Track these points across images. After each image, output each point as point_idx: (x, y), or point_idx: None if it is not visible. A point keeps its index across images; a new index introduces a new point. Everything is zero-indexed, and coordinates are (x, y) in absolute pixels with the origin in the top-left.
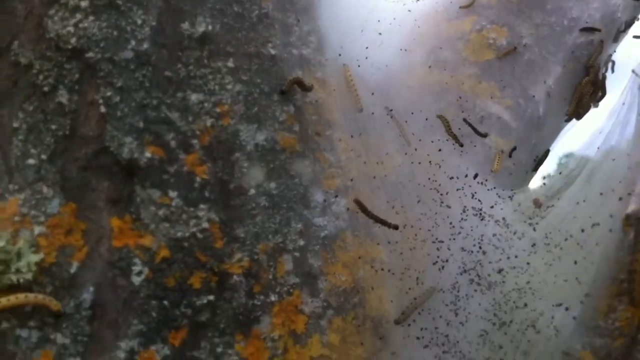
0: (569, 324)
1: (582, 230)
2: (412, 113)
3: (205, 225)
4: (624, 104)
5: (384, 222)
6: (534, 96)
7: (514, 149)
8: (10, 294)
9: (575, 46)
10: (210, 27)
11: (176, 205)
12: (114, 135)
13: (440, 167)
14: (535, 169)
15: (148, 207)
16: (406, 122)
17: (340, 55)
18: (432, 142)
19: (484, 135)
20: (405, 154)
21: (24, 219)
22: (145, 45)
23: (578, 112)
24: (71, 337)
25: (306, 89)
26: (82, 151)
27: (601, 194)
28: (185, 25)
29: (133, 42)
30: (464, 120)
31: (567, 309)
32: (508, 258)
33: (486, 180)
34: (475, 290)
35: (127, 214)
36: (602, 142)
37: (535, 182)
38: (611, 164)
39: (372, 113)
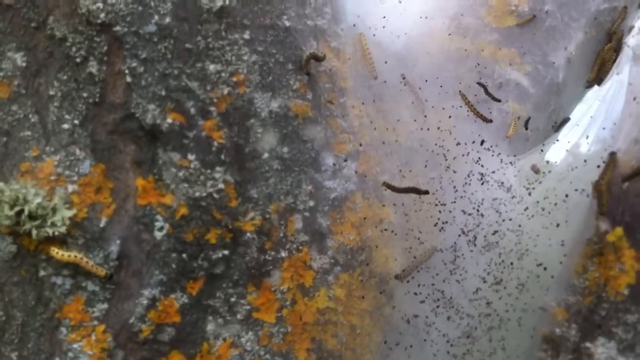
0: (549, 283)
1: (566, 196)
2: (427, 80)
3: (221, 186)
4: (618, 74)
5: (415, 191)
6: (554, 62)
7: (529, 119)
8: (62, 248)
9: (598, 12)
10: (227, 2)
11: (194, 167)
12: (138, 103)
13: (451, 133)
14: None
15: (169, 168)
16: (420, 89)
17: (354, 25)
18: (444, 109)
19: (499, 100)
20: (415, 120)
21: (59, 178)
22: (168, 19)
23: (600, 78)
24: (100, 285)
25: (319, 59)
26: (110, 117)
27: (585, 161)
28: (205, 0)
29: (156, 17)
30: (478, 83)
31: (545, 268)
32: (504, 221)
33: (493, 146)
34: (472, 251)
35: (150, 175)
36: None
37: (553, 149)
38: (603, 132)
39: (385, 81)
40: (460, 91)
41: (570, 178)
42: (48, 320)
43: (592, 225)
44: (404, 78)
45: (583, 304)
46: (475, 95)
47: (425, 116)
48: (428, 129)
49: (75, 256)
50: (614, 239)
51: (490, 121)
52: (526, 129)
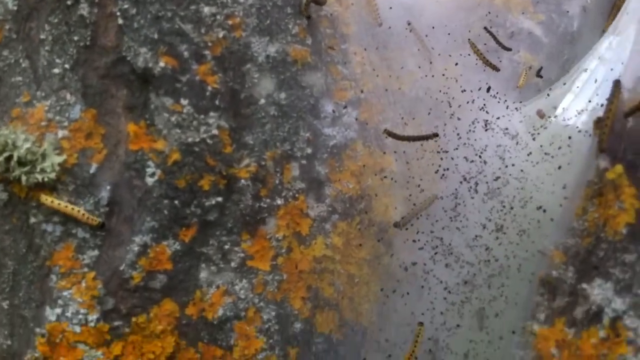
0: (549, 227)
1: (569, 138)
2: (434, 27)
3: (215, 131)
4: (627, 14)
5: (422, 138)
6: (568, 11)
7: (541, 68)
8: (52, 195)
9: None
10: None
11: (187, 112)
12: (130, 46)
13: (457, 81)
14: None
15: (162, 113)
16: (427, 36)
17: None
18: (451, 56)
19: (509, 49)
20: (420, 68)
21: (50, 123)
22: None
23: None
24: (90, 232)
25: (320, 2)
26: (101, 60)
27: (589, 100)
28: None
29: None
30: (485, 29)
31: (544, 211)
32: (507, 167)
33: (499, 93)
34: (473, 198)
35: (142, 120)
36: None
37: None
38: (611, 74)
39: (389, 27)
40: (469, 39)
41: (576, 122)
42: (38, 268)
43: (593, 167)
44: (409, 24)
45: (581, 246)
46: (485, 44)
47: (431, 63)
48: (433, 76)
49: (66, 206)
50: (613, 176)
51: (499, 70)
52: (539, 77)
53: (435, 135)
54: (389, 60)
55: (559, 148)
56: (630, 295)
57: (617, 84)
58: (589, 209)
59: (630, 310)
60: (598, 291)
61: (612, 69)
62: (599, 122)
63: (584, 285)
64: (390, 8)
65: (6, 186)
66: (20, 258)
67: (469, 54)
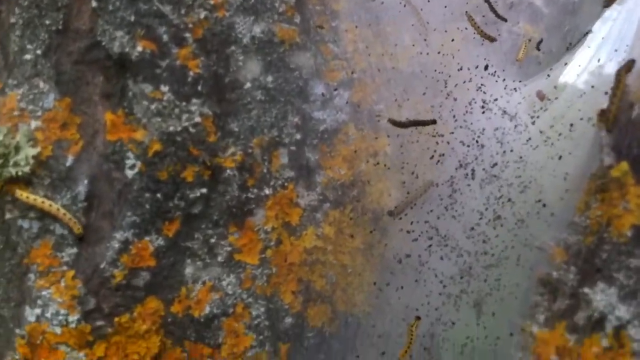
0: (549, 220)
1: (571, 125)
2: (429, 1)
3: (198, 119)
4: None
5: (422, 123)
6: None
7: (541, 41)
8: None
9: None
10: None
11: (168, 99)
12: (105, 30)
13: (454, 57)
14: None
15: (140, 101)
16: (422, 10)
17: None
18: (446, 31)
19: (504, 19)
20: (413, 45)
21: (23, 113)
22: None
23: None
24: (69, 228)
25: None
26: (75, 45)
27: (592, 86)
28: None
29: None
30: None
31: (544, 205)
32: (504, 152)
33: (499, 71)
34: (469, 185)
35: (120, 108)
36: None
37: (561, 74)
38: (615, 54)
39: (382, 2)
40: (466, 12)
41: (578, 105)
42: (16, 266)
43: (597, 158)
44: None
45: (584, 244)
46: (484, 16)
47: (425, 40)
48: (427, 54)
49: (43, 202)
50: (618, 174)
51: (495, 40)
52: (538, 49)
53: (433, 122)
54: (383, 37)
55: (560, 134)
56: (635, 303)
57: (630, 63)
58: (592, 205)
59: (635, 320)
60: (601, 297)
61: (615, 50)
62: (602, 114)
63: (586, 290)
64: None
65: None
66: None
67: (467, 28)
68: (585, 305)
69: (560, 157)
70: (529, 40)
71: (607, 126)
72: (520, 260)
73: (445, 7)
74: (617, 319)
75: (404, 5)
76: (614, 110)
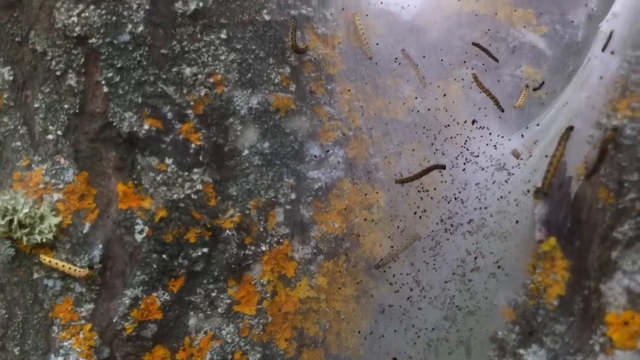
0: (503, 280)
1: (528, 191)
2: (424, 57)
3: (199, 186)
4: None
5: (431, 169)
6: (572, 21)
7: (542, 84)
8: (50, 254)
9: None
10: (201, 4)
11: (172, 170)
12: (116, 112)
13: (447, 110)
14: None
15: (148, 173)
16: (417, 66)
17: (343, 9)
18: (439, 87)
19: (496, 60)
20: (404, 103)
21: (47, 186)
22: (141, 28)
23: None
24: (86, 286)
25: (300, 51)
26: (90, 126)
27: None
28: (179, 4)
29: (130, 26)
30: (473, 43)
31: (499, 267)
32: (481, 209)
33: (487, 125)
34: (448, 240)
35: (130, 180)
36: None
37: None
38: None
39: (376, 64)
40: (473, 73)
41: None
42: (43, 319)
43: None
44: (403, 49)
45: (528, 306)
46: (483, 64)
47: (416, 98)
48: (418, 111)
49: (57, 263)
50: (547, 248)
51: (503, 110)
52: (535, 89)
53: (443, 167)
54: (378, 96)
55: (525, 194)
56: None
57: (568, 131)
58: (537, 270)
59: None
60: (533, 358)
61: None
62: (538, 191)
63: (521, 351)
64: (377, 44)
65: (12, 243)
66: (27, 308)
67: (463, 79)
68: None
69: (517, 222)
70: (527, 86)
71: (544, 188)
72: (490, 312)
73: (442, 60)
74: None
75: (399, 64)
76: (549, 176)
